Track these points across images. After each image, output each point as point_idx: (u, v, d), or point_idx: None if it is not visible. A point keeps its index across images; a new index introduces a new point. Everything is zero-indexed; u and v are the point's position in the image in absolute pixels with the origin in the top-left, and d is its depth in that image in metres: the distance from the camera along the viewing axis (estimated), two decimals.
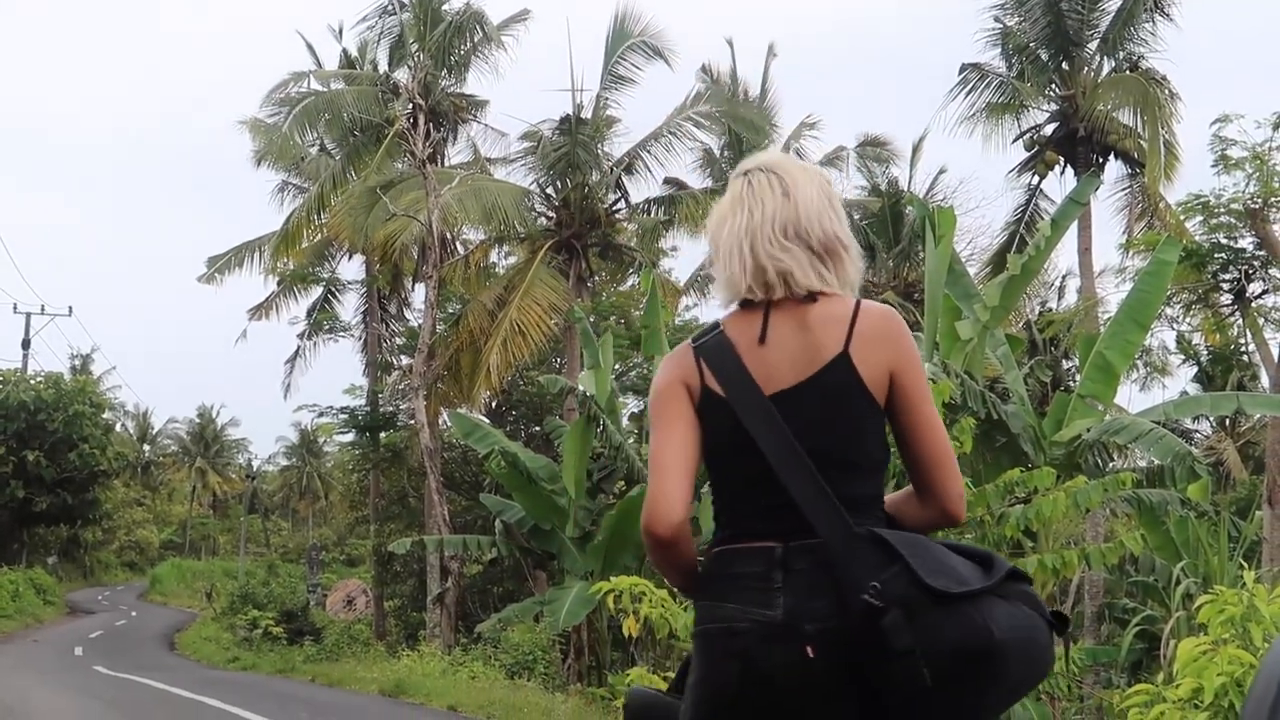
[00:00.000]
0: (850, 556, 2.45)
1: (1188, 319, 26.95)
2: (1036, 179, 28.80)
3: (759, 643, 2.47)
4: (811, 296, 2.61)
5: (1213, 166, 24.59)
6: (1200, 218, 24.36)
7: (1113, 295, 28.94)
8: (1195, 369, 30.75)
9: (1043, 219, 25.62)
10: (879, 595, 2.37)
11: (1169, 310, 25.56)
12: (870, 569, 2.42)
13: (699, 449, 2.64)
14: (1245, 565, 9.53)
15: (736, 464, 2.61)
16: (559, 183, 28.65)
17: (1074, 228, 24.19)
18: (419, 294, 33.60)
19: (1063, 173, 27.53)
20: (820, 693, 2.46)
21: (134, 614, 52.11)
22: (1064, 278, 34.30)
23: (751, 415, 2.56)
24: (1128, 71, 26.51)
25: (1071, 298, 31.82)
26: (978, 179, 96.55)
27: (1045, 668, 2.52)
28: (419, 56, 29.52)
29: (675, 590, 3.06)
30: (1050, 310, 30.58)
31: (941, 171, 40.29)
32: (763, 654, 2.46)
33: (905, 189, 34.11)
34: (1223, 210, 23.59)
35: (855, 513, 2.51)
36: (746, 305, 2.67)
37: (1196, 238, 24.48)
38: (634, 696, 2.94)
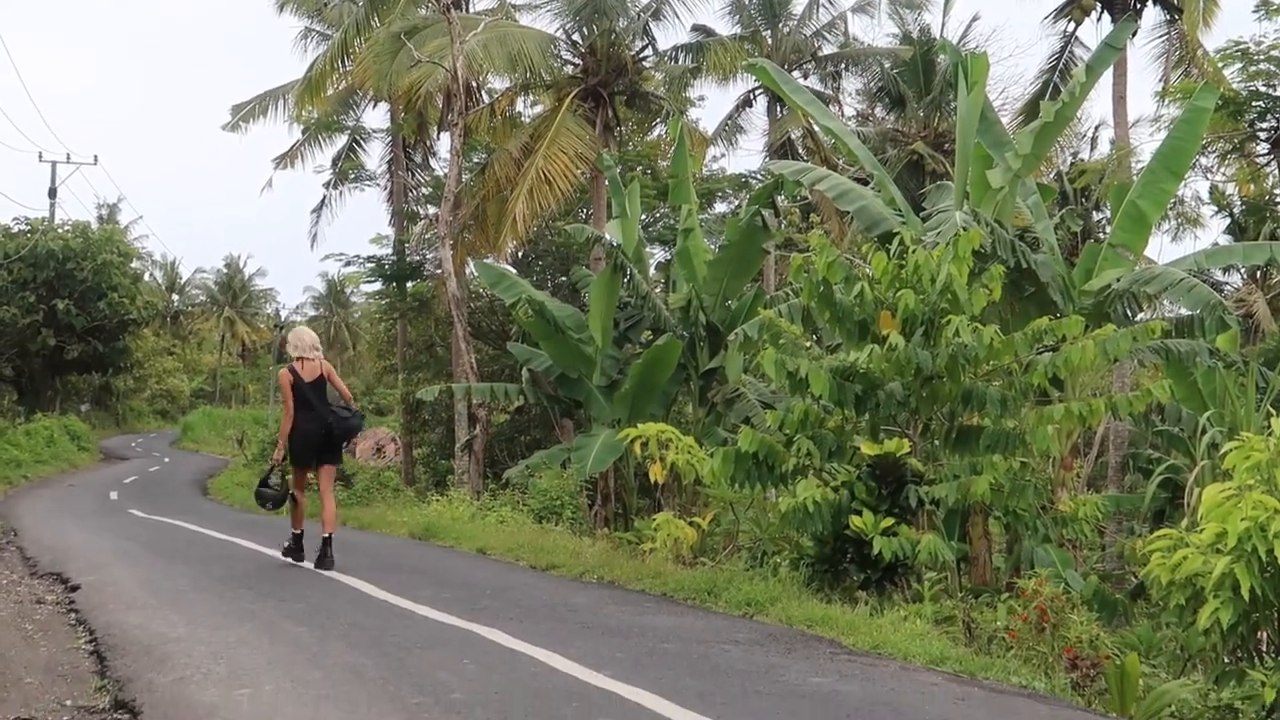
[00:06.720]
0: (345, 412, 13.35)
1: (1222, 169, 26.61)
2: (1072, 25, 28.24)
3: (310, 426, 12.96)
4: (314, 359, 13.16)
5: (1254, 12, 24.15)
6: (1239, 65, 23.93)
7: (1146, 145, 28.58)
8: (1228, 220, 30.38)
9: (1077, 66, 25.20)
10: (352, 415, 13.44)
11: (1203, 160, 25.23)
12: (344, 414, 13.31)
13: (294, 400, 13.02)
14: (1274, 413, 9.51)
15: (301, 401, 12.94)
16: (585, 29, 28.17)
17: (1109, 75, 23.78)
18: (444, 143, 33.36)
19: (1099, 19, 26.97)
20: (319, 438, 13.06)
21: (166, 460, 52.91)
22: (1097, 129, 33.89)
23: (304, 389, 12.93)
24: None
25: (1104, 149, 31.42)
26: (1011, 27, 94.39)
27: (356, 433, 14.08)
28: None
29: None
30: (1082, 161, 30.19)
31: (975, 19, 39.65)
32: (311, 430, 12.97)
33: (938, 36, 33.49)
34: (1262, 57, 23.16)
35: (328, 406, 13.28)
36: (299, 360, 13.08)
37: (1234, 85, 24.08)
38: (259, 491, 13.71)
